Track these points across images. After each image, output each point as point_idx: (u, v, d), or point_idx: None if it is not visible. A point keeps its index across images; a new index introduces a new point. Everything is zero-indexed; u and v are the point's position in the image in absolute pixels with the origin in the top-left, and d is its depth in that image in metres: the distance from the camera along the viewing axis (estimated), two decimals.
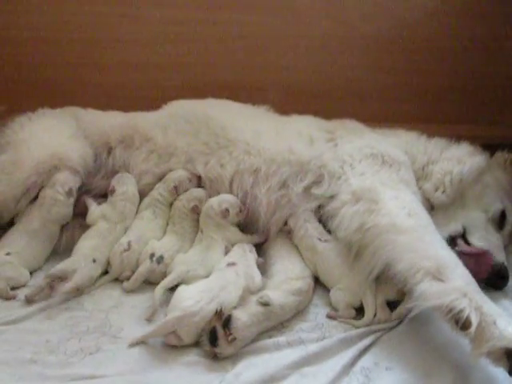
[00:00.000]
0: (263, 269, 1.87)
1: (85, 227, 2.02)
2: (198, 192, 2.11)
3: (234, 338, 1.49)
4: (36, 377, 1.43)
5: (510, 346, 1.35)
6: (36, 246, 1.94)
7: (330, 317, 1.71)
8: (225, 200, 2.02)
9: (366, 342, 1.59)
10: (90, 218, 2.03)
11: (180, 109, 2.36)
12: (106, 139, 2.26)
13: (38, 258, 1.95)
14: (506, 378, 1.42)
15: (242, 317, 1.54)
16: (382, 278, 1.71)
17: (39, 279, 1.80)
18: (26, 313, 1.67)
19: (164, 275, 1.81)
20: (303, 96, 2.80)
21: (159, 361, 1.50)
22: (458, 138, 2.24)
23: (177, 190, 2.10)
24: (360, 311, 1.71)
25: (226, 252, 1.91)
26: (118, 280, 1.89)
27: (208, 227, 1.98)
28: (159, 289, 1.72)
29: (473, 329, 1.39)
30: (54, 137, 2.17)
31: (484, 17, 2.72)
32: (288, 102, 2.69)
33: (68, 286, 1.72)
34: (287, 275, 1.78)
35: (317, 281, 1.88)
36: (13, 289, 1.78)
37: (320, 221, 2.01)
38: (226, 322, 1.51)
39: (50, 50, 2.75)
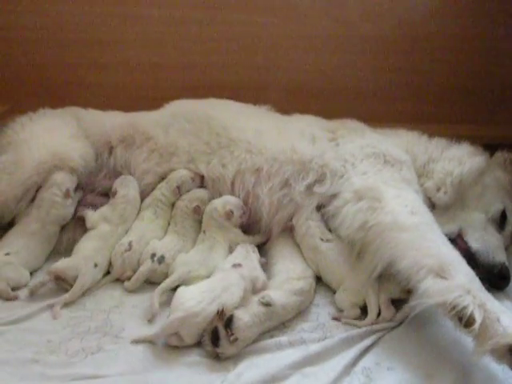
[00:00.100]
0: (265, 269, 1.87)
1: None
2: (201, 192, 2.11)
3: (236, 339, 1.49)
4: (37, 377, 1.43)
5: None
6: (35, 246, 1.94)
7: (334, 319, 1.71)
8: (229, 202, 2.02)
9: (368, 341, 1.58)
10: (89, 223, 2.02)
11: (181, 108, 2.35)
12: (107, 139, 2.26)
13: (37, 258, 1.94)
14: (506, 378, 1.42)
15: (244, 317, 1.54)
16: (385, 276, 1.71)
17: (39, 279, 1.80)
18: (27, 313, 1.67)
19: (165, 275, 1.81)
20: (304, 96, 2.81)
21: (161, 361, 1.50)
22: (458, 137, 2.24)
23: (179, 190, 2.10)
24: (364, 311, 1.71)
25: (229, 252, 1.91)
26: (119, 280, 1.88)
27: (211, 228, 1.98)
28: (158, 290, 1.72)
29: (476, 326, 1.39)
30: (54, 137, 2.17)
31: (484, 17, 2.73)
32: (289, 101, 2.70)
33: (69, 297, 1.73)
34: (289, 275, 1.78)
35: (318, 281, 1.88)
36: (13, 289, 1.78)
37: (322, 220, 2.01)
38: (228, 323, 1.51)
39: (51, 51, 2.76)
